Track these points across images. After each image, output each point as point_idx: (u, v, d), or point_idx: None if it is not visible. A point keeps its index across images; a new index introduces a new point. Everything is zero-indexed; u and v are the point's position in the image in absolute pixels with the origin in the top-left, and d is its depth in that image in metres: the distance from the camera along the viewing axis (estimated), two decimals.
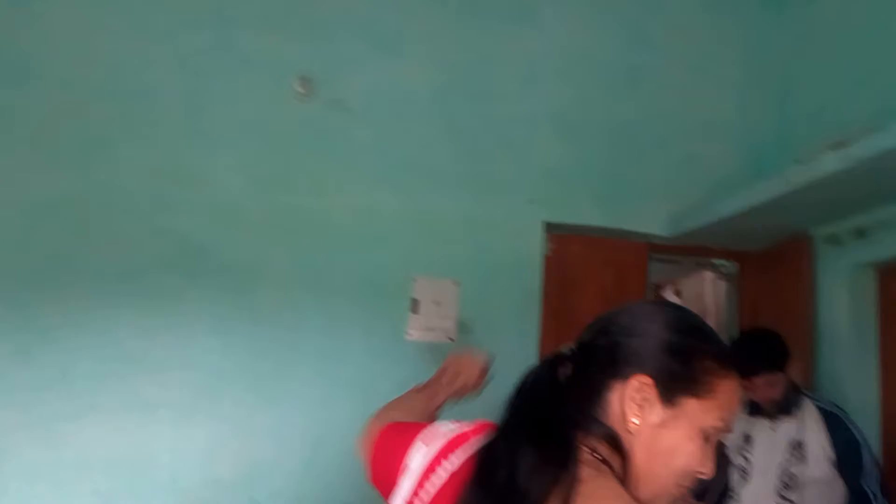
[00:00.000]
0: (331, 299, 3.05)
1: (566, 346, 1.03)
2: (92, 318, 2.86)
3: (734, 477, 2.74)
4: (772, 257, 3.40)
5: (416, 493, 1.00)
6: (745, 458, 2.71)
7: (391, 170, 3.23)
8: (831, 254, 3.10)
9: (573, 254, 3.39)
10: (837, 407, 2.65)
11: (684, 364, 0.95)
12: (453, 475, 0.97)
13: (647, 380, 0.94)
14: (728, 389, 0.97)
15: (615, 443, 0.93)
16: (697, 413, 0.94)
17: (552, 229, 3.37)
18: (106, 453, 2.80)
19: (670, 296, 4.05)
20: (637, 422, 0.93)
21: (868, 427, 2.76)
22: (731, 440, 2.80)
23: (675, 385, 0.94)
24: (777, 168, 2.83)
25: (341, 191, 3.15)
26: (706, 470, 0.96)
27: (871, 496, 2.47)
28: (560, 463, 0.88)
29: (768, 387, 2.62)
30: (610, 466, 0.92)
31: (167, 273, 2.94)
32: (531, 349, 3.12)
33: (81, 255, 2.89)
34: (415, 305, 3.06)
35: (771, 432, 2.67)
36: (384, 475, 1.09)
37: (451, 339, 3.05)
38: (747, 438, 2.74)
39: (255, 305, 3.00)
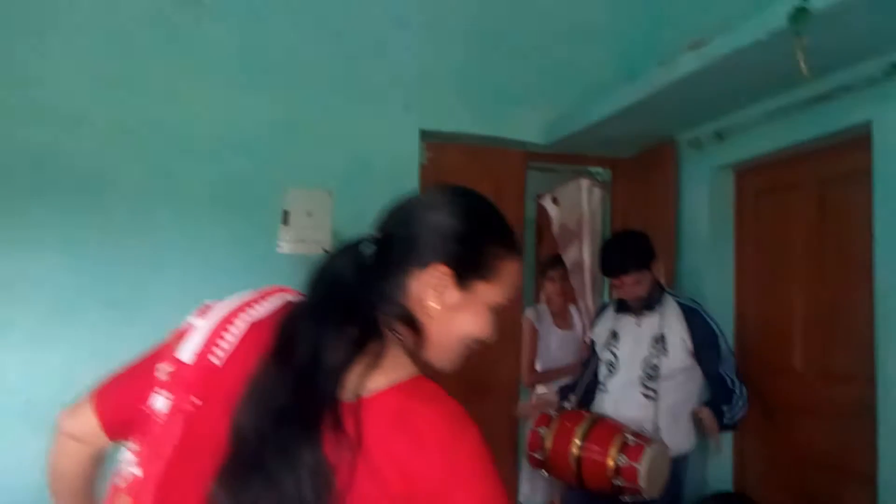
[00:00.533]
0: (193, 213, 2.91)
1: (367, 234, 1.06)
2: None
3: (603, 371, 2.87)
4: (642, 163, 3.49)
5: (204, 354, 0.99)
6: (613, 354, 2.83)
7: (255, 73, 3.05)
8: (693, 157, 3.21)
9: (451, 163, 3.36)
10: (695, 302, 2.79)
11: (474, 251, 1.05)
12: (241, 340, 0.99)
13: (444, 269, 1.03)
14: (512, 271, 1.09)
15: (412, 323, 1.02)
16: (486, 293, 1.06)
17: (428, 137, 3.33)
18: None
19: (549, 204, 4.12)
20: (435, 305, 1.03)
21: (723, 319, 2.93)
22: (600, 337, 2.92)
23: (467, 272, 1.04)
24: (646, 72, 2.87)
25: (199, 95, 2.97)
26: (490, 336, 1.09)
27: (729, 381, 2.65)
28: (362, 340, 0.94)
29: (635, 285, 2.72)
30: (405, 343, 1.01)
31: (9, 184, 2.75)
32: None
33: None
34: (286, 217, 2.97)
35: (636, 328, 2.79)
36: (127, 414, 1.03)
37: (325, 251, 2.99)
38: (614, 335, 2.85)
39: (108, 220, 2.84)
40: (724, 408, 2.60)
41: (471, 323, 1.06)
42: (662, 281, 2.85)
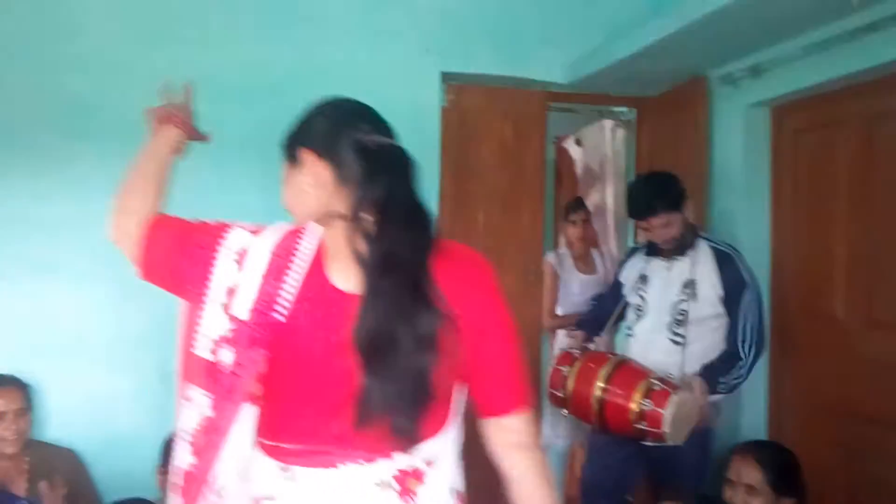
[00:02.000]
0: (225, 157, 2.91)
1: None
2: None
3: (630, 315, 2.83)
4: (669, 101, 3.41)
5: (264, 311, 1.23)
6: (641, 297, 2.79)
7: (279, 20, 3.08)
8: (726, 94, 3.10)
9: (472, 105, 3.34)
10: (731, 247, 2.71)
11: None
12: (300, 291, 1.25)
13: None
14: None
15: None
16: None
17: (449, 79, 3.29)
18: (9, 316, 2.84)
19: (571, 146, 4.04)
20: None
21: (759, 264, 2.88)
22: (629, 280, 2.87)
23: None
24: (675, 5, 2.75)
25: (228, 43, 3.02)
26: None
27: (740, 343, 2.58)
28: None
29: (665, 227, 2.65)
30: None
31: (54, 132, 2.87)
32: (432, 203, 3.06)
33: None
34: None
35: (666, 272, 2.74)
36: (167, 266, 1.35)
37: None
38: (643, 278, 2.81)
39: None
40: (721, 378, 2.55)
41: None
42: (694, 223, 2.79)
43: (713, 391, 2.55)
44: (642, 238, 2.85)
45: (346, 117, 1.31)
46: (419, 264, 1.19)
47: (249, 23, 3.07)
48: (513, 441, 1.30)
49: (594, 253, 3.91)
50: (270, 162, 2.93)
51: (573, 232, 3.81)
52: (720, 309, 2.63)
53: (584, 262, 3.87)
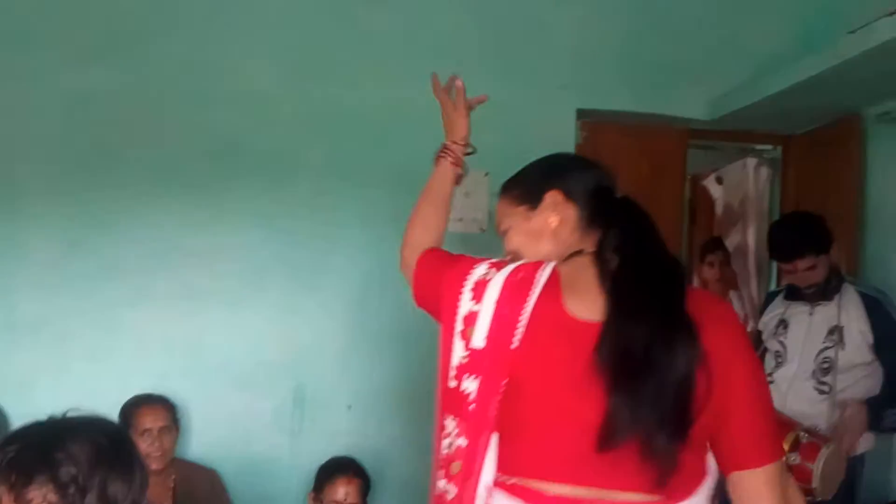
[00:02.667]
0: (365, 192, 3.07)
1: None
2: (138, 212, 2.98)
3: (769, 362, 2.72)
4: (818, 140, 3.27)
5: (500, 339, 1.21)
6: (781, 343, 2.70)
7: (420, 59, 3.07)
8: (883, 133, 2.98)
9: (607, 142, 3.29)
10: (880, 292, 2.61)
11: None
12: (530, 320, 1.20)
13: None
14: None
15: None
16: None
17: (584, 116, 3.28)
18: (161, 338, 2.99)
19: (712, 185, 3.92)
20: None
21: None
22: (767, 326, 2.77)
23: None
24: (826, 41, 2.65)
25: (372, 82, 3.13)
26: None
27: None
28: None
29: (810, 270, 2.57)
30: None
31: (208, 168, 3.03)
32: None
33: (119, 150, 2.98)
34: None
35: (808, 317, 2.65)
36: (430, 295, 1.37)
37: (482, 230, 3.02)
38: (783, 323, 2.73)
39: (293, 198, 3.07)
40: (892, 410, 2.42)
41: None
42: (842, 268, 2.66)
43: (878, 424, 2.44)
44: (786, 281, 2.73)
45: (585, 163, 1.42)
46: (672, 294, 1.18)
47: (390, 61, 3.14)
48: (765, 495, 1.18)
49: (733, 295, 3.76)
50: (406, 198, 3.11)
51: (709, 273, 3.68)
52: (869, 356, 2.52)
53: None
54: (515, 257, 1.34)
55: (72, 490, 1.11)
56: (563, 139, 3.20)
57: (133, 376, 2.87)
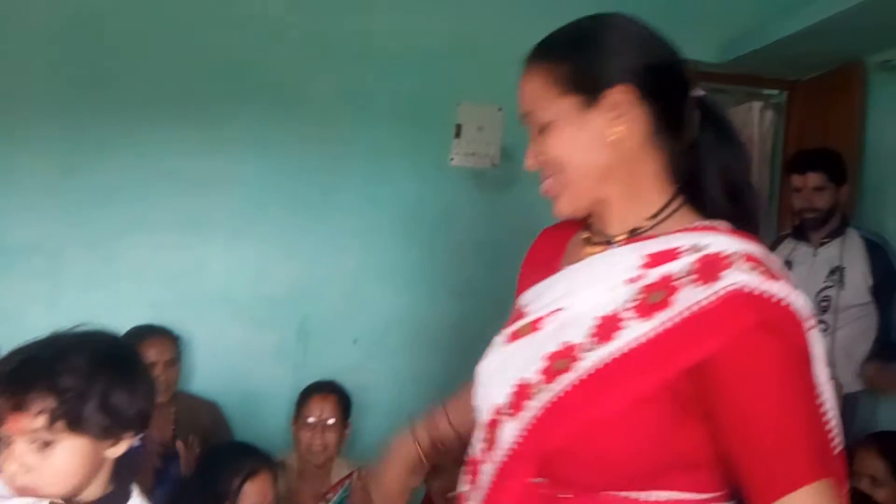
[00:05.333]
0: (374, 124, 2.99)
1: None
2: (135, 137, 2.85)
3: None
4: (822, 85, 3.31)
5: None
6: None
7: None
8: (885, 81, 3.01)
9: None
10: (882, 238, 2.69)
11: None
12: None
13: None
14: None
15: None
16: None
17: None
18: (158, 267, 2.89)
19: None
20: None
21: None
22: None
23: None
24: None
25: (384, 10, 3.03)
26: None
27: None
28: None
29: (818, 191, 2.65)
30: None
31: (209, 93, 2.92)
32: None
33: (116, 73, 2.84)
34: (458, 130, 2.98)
35: (811, 258, 2.71)
36: None
37: (494, 165, 3.00)
38: (788, 264, 2.76)
39: (299, 129, 2.96)
40: None
41: None
42: (847, 210, 2.74)
43: None
44: (795, 203, 2.78)
45: (664, 43, 1.02)
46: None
47: None
48: None
49: None
50: (416, 131, 3.08)
51: None
52: (868, 298, 2.59)
53: None
54: (553, 169, 1.00)
55: (71, 399, 1.08)
56: None
57: (129, 306, 2.77)
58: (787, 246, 2.82)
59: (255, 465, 2.06)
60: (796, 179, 2.72)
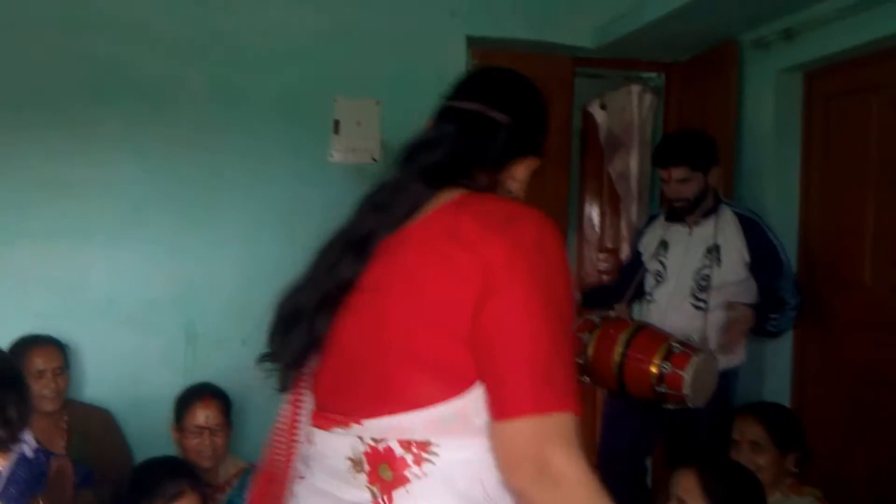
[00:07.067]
0: (251, 121, 2.98)
1: None
2: (5, 145, 2.81)
3: (650, 281, 2.83)
4: (699, 66, 3.36)
5: None
6: (661, 263, 2.80)
7: None
8: (757, 59, 3.05)
9: None
10: (755, 213, 2.72)
11: None
12: None
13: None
14: None
15: None
16: None
17: (475, 44, 3.26)
18: (41, 277, 2.87)
19: (596, 111, 4.00)
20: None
21: (787, 230, 2.86)
22: (648, 247, 2.87)
23: None
24: None
25: (253, 5, 2.99)
26: None
27: (788, 295, 2.58)
28: None
29: (682, 183, 2.65)
30: None
31: (80, 94, 2.87)
32: None
33: None
34: (336, 126, 2.99)
35: (687, 237, 2.74)
36: None
37: (374, 160, 2.98)
38: (664, 244, 2.81)
39: (173, 129, 2.94)
40: (773, 315, 2.55)
41: None
42: (720, 190, 2.77)
43: (762, 329, 2.57)
44: (664, 190, 2.82)
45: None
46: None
47: None
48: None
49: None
50: (294, 127, 3.06)
51: None
52: (744, 274, 2.63)
53: None
54: None
55: None
56: (454, 67, 3.12)
57: (12, 318, 2.75)
58: (660, 227, 2.85)
59: (179, 488, 2.02)
60: (661, 172, 2.74)
